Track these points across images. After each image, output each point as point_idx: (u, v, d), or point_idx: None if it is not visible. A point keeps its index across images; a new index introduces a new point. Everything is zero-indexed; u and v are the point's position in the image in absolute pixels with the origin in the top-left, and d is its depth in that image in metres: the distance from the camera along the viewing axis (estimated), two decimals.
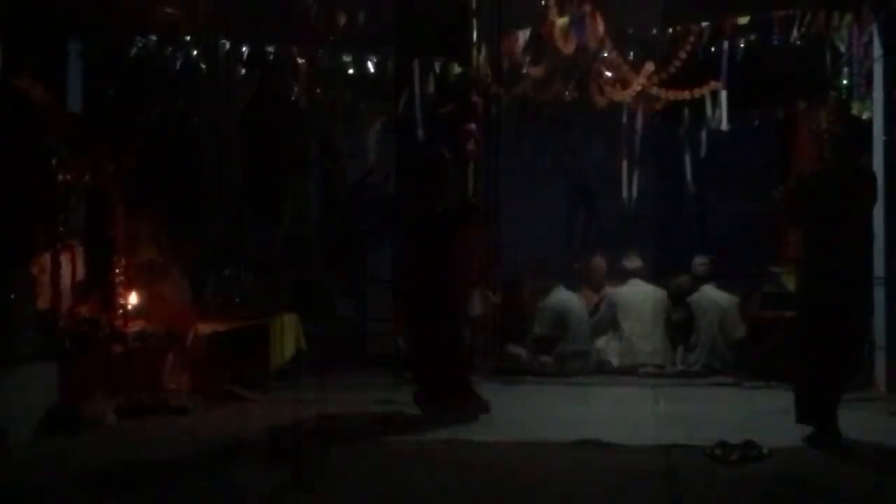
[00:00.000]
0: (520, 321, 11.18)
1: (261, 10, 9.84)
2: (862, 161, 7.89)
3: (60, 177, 8.87)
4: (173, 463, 7.05)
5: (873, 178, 7.68)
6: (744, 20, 9.61)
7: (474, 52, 9.71)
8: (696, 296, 11.10)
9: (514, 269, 11.66)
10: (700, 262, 11.25)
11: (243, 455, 7.23)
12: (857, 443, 7.28)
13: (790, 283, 9.55)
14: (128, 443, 7.70)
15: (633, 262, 11.45)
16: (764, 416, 8.26)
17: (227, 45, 10.05)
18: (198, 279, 10.59)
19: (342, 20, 9.28)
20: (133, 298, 9.51)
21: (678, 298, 11.33)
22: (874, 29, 9.45)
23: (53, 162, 8.80)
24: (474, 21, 9.44)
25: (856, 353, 7.82)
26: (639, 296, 11.22)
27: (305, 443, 7.67)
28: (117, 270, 9.36)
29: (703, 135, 11.87)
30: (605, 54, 10.20)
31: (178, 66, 10.16)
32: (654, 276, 11.58)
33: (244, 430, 7.95)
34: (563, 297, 10.97)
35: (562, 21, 9.08)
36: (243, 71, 10.38)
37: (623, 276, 11.44)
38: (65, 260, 8.94)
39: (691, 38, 10.01)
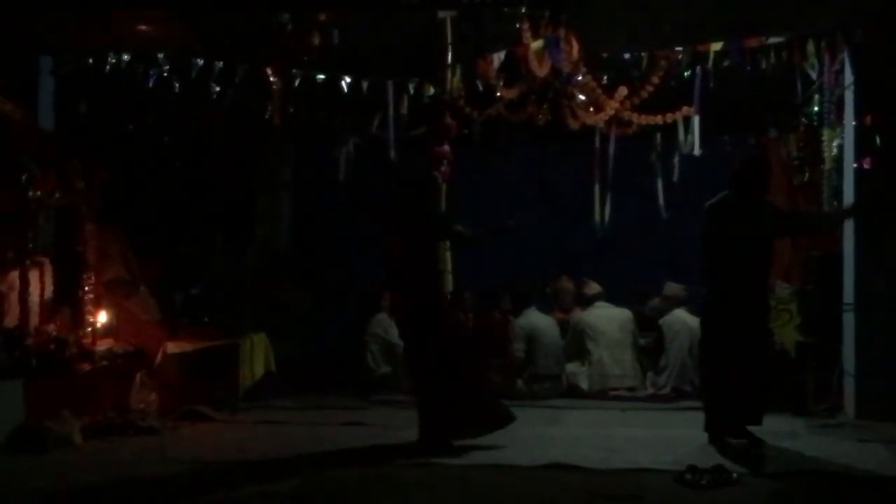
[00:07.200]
0: (490, 343, 11.15)
1: (234, 29, 9.80)
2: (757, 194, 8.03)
3: (30, 193, 8.84)
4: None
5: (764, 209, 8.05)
6: (716, 47, 9.66)
7: (448, 74, 9.71)
8: (667, 318, 11.09)
9: (486, 291, 11.63)
10: (675, 286, 11.25)
11: None
12: (826, 469, 7.29)
13: None
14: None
15: (594, 287, 11.45)
16: None
17: (200, 63, 10.01)
18: (166, 297, 10.55)
19: (316, 40, 9.22)
20: (101, 316, 9.47)
21: (649, 321, 11.34)
22: (845, 57, 9.53)
23: (24, 178, 8.76)
24: (448, 42, 9.43)
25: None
26: (606, 318, 11.22)
27: None
28: (86, 288, 9.33)
29: (676, 160, 11.95)
30: (579, 78, 10.21)
31: (150, 84, 10.12)
32: (624, 298, 11.59)
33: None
34: (535, 319, 10.95)
35: (536, 44, 9.08)
36: (216, 89, 10.34)
37: (590, 299, 11.44)
38: (33, 277, 8.90)
39: (664, 64, 10.06)
